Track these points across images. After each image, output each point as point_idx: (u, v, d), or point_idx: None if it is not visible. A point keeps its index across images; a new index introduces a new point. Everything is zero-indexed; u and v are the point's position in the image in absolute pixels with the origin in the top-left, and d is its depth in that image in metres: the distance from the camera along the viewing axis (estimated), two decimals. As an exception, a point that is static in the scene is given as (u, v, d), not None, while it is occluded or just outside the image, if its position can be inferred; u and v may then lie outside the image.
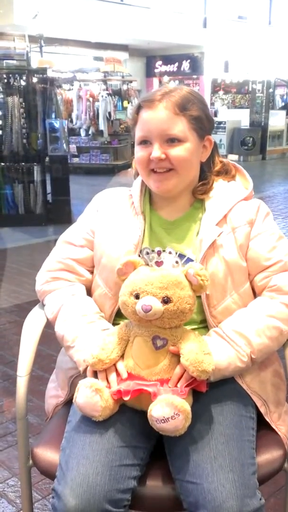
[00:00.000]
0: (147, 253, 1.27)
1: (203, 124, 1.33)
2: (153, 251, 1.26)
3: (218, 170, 1.43)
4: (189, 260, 1.30)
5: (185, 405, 1.11)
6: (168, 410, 1.10)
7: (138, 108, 1.33)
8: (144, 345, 1.19)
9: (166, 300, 1.16)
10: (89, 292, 1.44)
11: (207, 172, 1.41)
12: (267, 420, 1.32)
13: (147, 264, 1.24)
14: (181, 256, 1.31)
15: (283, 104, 16.12)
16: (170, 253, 1.24)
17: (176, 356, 1.18)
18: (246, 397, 1.30)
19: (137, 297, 1.17)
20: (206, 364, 1.13)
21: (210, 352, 1.17)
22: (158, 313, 1.15)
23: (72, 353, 1.31)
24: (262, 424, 1.31)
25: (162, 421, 1.10)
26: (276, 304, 1.29)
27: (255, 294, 1.36)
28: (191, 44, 16.38)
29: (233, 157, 12.83)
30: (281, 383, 1.38)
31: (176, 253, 1.27)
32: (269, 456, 1.26)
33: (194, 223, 1.37)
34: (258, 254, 1.33)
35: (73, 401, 1.20)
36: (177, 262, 1.25)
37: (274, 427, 1.32)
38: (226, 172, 1.45)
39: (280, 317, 1.28)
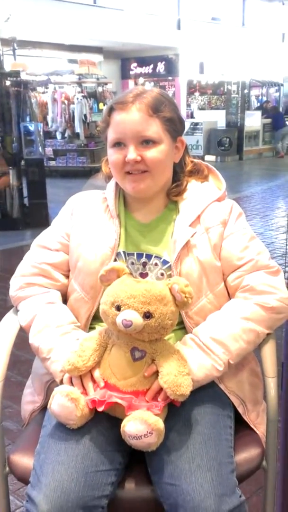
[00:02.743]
0: (132, 263, 1.26)
1: (176, 125, 1.34)
2: (138, 262, 1.25)
3: (190, 170, 1.44)
4: (166, 262, 1.30)
5: (159, 423, 1.10)
6: (142, 428, 1.09)
7: (110, 110, 1.32)
8: (122, 356, 1.18)
9: (147, 315, 1.14)
10: (65, 297, 1.42)
11: (179, 173, 1.41)
12: (245, 419, 1.32)
13: (131, 274, 1.23)
14: (157, 258, 1.30)
15: (258, 104, 16.27)
16: (156, 264, 1.23)
17: (153, 365, 1.18)
18: (224, 396, 1.30)
19: (118, 308, 1.15)
20: (184, 388, 1.13)
21: (188, 372, 1.17)
22: (138, 328, 1.13)
23: (49, 365, 1.29)
24: (240, 423, 1.32)
25: (135, 438, 1.10)
26: (250, 305, 1.29)
27: (229, 294, 1.36)
28: (165, 46, 16.42)
29: (210, 157, 12.91)
30: (258, 382, 1.38)
31: (159, 259, 1.25)
32: (247, 455, 1.26)
33: (168, 224, 1.37)
34: (231, 253, 1.33)
35: (48, 407, 1.19)
36: (162, 274, 1.24)
37: (252, 426, 1.32)
38: (198, 172, 1.45)
39: (255, 319, 1.28)
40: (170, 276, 1.30)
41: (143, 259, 1.28)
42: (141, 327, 1.13)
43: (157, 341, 1.19)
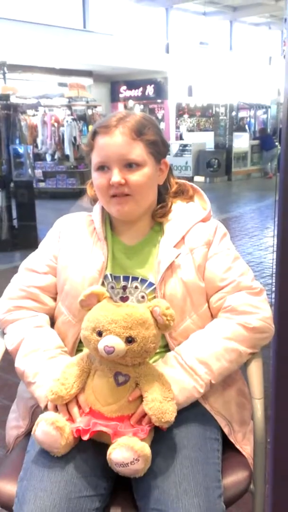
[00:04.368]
0: (112, 288, 1.25)
1: (159, 148, 1.35)
2: (118, 286, 1.24)
3: (175, 191, 1.44)
4: (151, 284, 1.30)
5: (145, 449, 1.09)
6: (128, 455, 1.07)
7: (94, 134, 1.33)
8: (105, 382, 1.16)
9: (129, 340, 1.12)
10: (53, 320, 1.41)
11: (164, 194, 1.41)
12: (231, 440, 1.30)
13: (111, 298, 1.22)
14: (143, 281, 1.30)
15: (246, 126, 16.47)
16: (136, 287, 1.22)
17: (137, 389, 1.16)
18: (211, 418, 1.28)
19: (99, 334, 1.13)
20: (169, 415, 1.12)
21: (173, 397, 1.16)
22: (121, 353, 1.12)
23: (34, 389, 1.27)
24: (227, 445, 1.30)
25: (121, 465, 1.08)
26: (232, 325, 1.29)
27: (212, 316, 1.35)
28: (154, 70, 16.65)
29: (199, 178, 13.02)
30: (245, 402, 1.37)
31: (143, 283, 1.24)
32: (234, 478, 1.24)
33: (154, 246, 1.36)
34: (214, 274, 1.33)
35: (32, 433, 1.17)
36: (143, 297, 1.23)
37: (238, 447, 1.30)
38: (183, 193, 1.46)
39: (238, 339, 1.27)
40: (153, 297, 1.29)
41: (122, 283, 1.28)
42: (124, 352, 1.12)
43: (141, 364, 1.17)
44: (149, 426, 1.14)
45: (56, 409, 1.19)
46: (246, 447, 1.32)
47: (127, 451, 1.07)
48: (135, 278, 1.33)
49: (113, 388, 1.15)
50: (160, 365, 1.24)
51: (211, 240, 1.36)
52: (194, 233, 1.36)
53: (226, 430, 1.29)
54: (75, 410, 1.18)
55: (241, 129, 15.05)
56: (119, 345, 1.11)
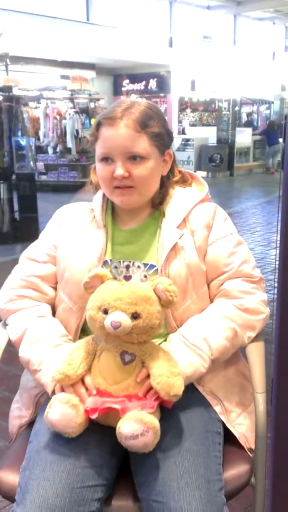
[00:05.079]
0: (116, 267, 1.26)
1: (164, 139, 1.35)
2: (121, 265, 1.26)
3: (177, 180, 1.45)
4: (153, 266, 1.31)
5: (154, 422, 1.10)
6: (138, 427, 1.08)
7: (98, 125, 1.33)
8: (112, 360, 1.18)
9: (135, 316, 1.14)
10: (54, 310, 1.42)
11: (166, 183, 1.42)
12: (223, 420, 1.30)
13: (115, 278, 1.23)
14: (145, 264, 1.32)
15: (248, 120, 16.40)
16: (138, 267, 1.23)
17: (144, 369, 1.17)
18: (213, 412, 1.29)
19: (105, 312, 1.15)
20: (177, 388, 1.13)
21: (179, 372, 1.17)
22: (127, 329, 1.14)
23: (39, 376, 1.28)
24: (229, 439, 1.30)
25: (132, 438, 1.09)
26: (226, 305, 1.32)
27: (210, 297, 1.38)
28: (157, 63, 16.58)
29: (201, 173, 12.98)
30: (246, 384, 1.38)
31: (145, 265, 1.26)
32: (235, 472, 1.25)
33: (154, 230, 1.38)
34: (218, 259, 1.35)
35: (44, 417, 1.17)
36: (145, 276, 1.24)
37: (229, 426, 1.30)
38: (183, 181, 1.47)
39: (233, 318, 1.31)
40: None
41: (126, 262, 1.29)
42: (130, 328, 1.14)
43: (146, 343, 1.19)
44: (156, 401, 1.15)
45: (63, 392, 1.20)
46: (239, 427, 1.31)
47: (137, 423, 1.09)
48: (135, 263, 1.34)
49: (120, 367, 1.17)
50: (164, 346, 1.26)
51: (211, 223, 1.37)
52: (195, 214, 1.38)
53: (217, 409, 1.30)
54: (82, 390, 1.19)
55: (250, 124, 14.88)
56: (125, 320, 1.13)
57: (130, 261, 1.34)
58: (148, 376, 1.17)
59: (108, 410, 1.13)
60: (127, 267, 1.32)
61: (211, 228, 1.37)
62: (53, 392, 1.23)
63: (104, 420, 1.17)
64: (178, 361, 1.20)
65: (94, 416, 1.13)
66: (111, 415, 1.14)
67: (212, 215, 1.39)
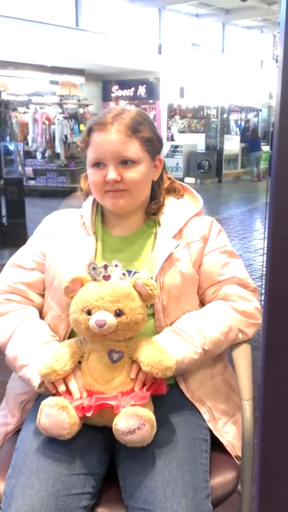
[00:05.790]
0: (94, 268, 1.27)
1: (154, 144, 1.36)
2: (99, 266, 1.26)
3: (167, 187, 1.46)
4: (135, 273, 1.31)
5: (150, 414, 1.11)
6: (133, 421, 1.09)
7: (89, 131, 1.33)
8: (100, 361, 1.18)
9: (118, 313, 1.16)
10: (41, 316, 1.41)
11: (157, 191, 1.43)
12: (210, 427, 1.29)
13: (95, 279, 1.23)
14: (129, 271, 1.31)
15: (237, 128, 16.49)
16: (116, 266, 1.24)
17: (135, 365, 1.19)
18: (200, 419, 1.28)
19: (89, 313, 1.16)
20: (166, 361, 1.15)
21: (165, 349, 1.18)
22: (112, 326, 1.15)
23: (25, 372, 1.26)
24: (216, 446, 1.30)
25: (129, 433, 1.09)
26: (224, 305, 1.36)
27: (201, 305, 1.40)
28: (146, 70, 16.64)
29: (190, 180, 13.03)
30: (232, 394, 1.38)
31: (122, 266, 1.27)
32: (222, 479, 1.25)
33: (148, 239, 1.38)
34: (213, 269, 1.37)
35: (37, 423, 1.16)
36: (124, 274, 1.25)
37: (217, 434, 1.29)
38: (174, 191, 1.48)
39: (229, 316, 1.33)
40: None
41: (104, 262, 1.28)
42: (115, 325, 1.15)
43: (131, 339, 1.20)
44: (148, 390, 1.15)
45: (52, 388, 1.19)
46: (226, 434, 1.31)
47: (132, 418, 1.10)
48: (128, 272, 1.33)
49: (108, 366, 1.18)
50: (154, 337, 1.26)
51: (207, 235, 1.39)
52: (190, 227, 1.39)
53: (206, 417, 1.29)
54: (73, 385, 1.18)
55: (247, 130, 14.93)
56: (110, 318, 1.15)
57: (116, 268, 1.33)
58: (140, 370, 1.18)
59: (103, 408, 1.13)
60: (105, 267, 1.32)
61: (207, 240, 1.39)
62: (40, 386, 1.21)
63: (100, 420, 1.17)
64: (167, 348, 1.20)
65: (89, 414, 1.13)
66: (106, 414, 1.15)
67: (209, 227, 1.40)
